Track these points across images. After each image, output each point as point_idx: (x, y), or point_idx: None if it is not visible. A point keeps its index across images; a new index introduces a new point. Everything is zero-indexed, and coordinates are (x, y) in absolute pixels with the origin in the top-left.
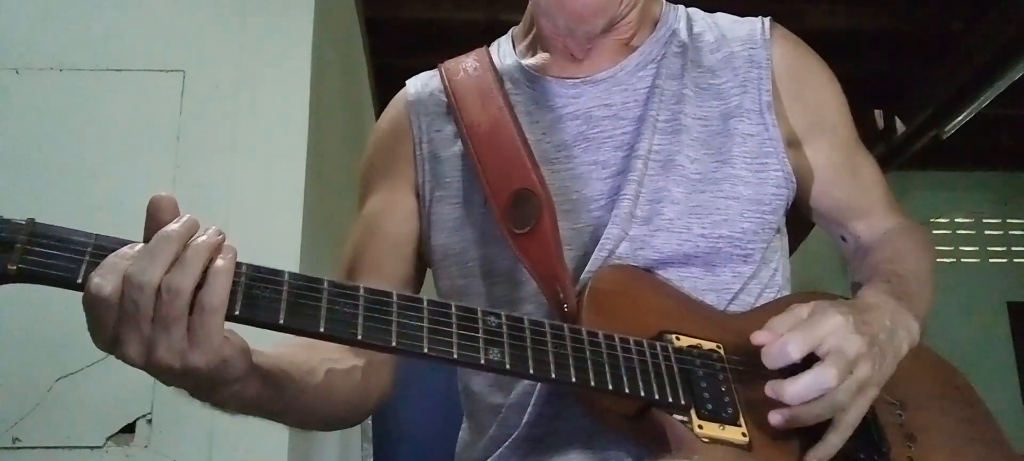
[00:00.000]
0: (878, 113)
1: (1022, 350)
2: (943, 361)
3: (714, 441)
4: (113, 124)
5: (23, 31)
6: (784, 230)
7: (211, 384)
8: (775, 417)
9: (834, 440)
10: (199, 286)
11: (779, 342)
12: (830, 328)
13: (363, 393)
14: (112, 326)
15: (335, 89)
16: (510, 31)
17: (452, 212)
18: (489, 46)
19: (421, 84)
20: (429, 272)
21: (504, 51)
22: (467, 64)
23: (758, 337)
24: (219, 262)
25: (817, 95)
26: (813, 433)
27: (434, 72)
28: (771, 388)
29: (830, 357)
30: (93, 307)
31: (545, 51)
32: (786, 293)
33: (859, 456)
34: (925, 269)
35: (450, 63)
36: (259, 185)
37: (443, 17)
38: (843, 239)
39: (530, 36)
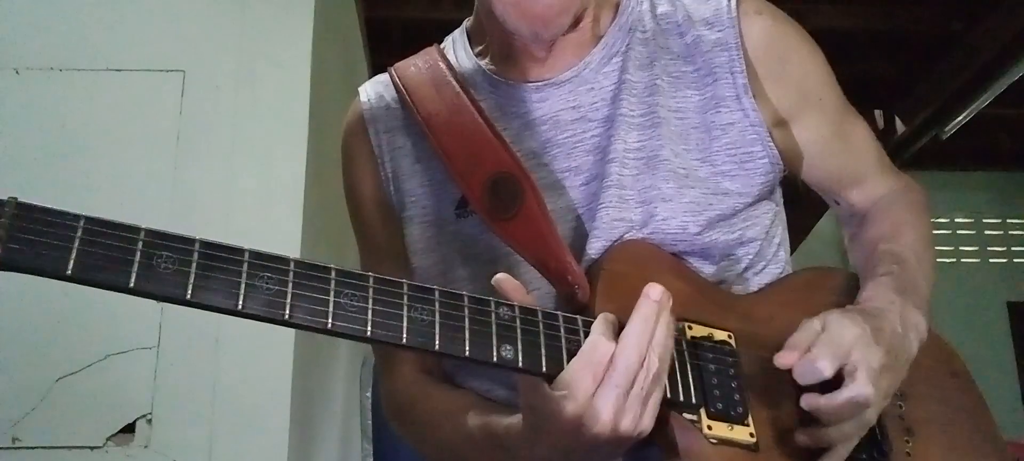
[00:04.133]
0: (878, 113)
1: (1022, 350)
2: (943, 344)
3: (722, 442)
4: (113, 124)
5: (23, 31)
6: (780, 201)
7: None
8: (802, 438)
9: (842, 451)
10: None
11: (808, 359)
12: (852, 341)
13: None
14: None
15: (335, 89)
16: (463, 27)
17: (422, 232)
18: (440, 44)
19: (375, 95)
20: None
21: (460, 52)
22: (418, 61)
23: (783, 358)
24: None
25: (800, 69)
26: None
27: (385, 77)
28: (807, 402)
29: (860, 373)
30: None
31: (504, 51)
32: (787, 267)
33: (862, 457)
34: (922, 236)
35: (400, 64)
36: (259, 185)
37: (443, 17)
38: (837, 203)
39: (486, 37)
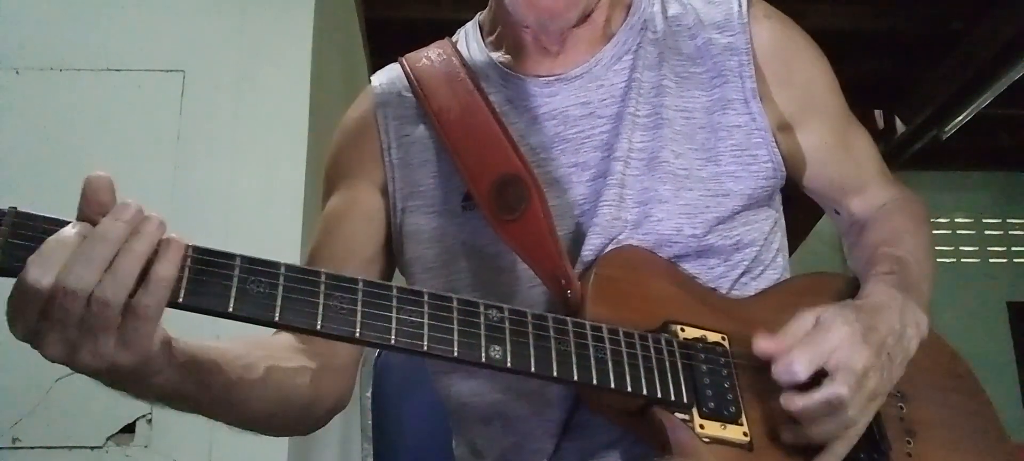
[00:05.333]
0: (878, 113)
1: (1022, 350)
2: (946, 347)
3: (715, 441)
4: (113, 124)
5: (23, 31)
6: (780, 208)
7: (132, 378)
8: (787, 436)
9: (839, 450)
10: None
11: (785, 360)
12: (837, 342)
13: (312, 397)
14: (36, 320)
15: (335, 89)
16: (475, 20)
17: (428, 222)
18: (452, 37)
19: (387, 83)
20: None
21: (472, 44)
22: (430, 53)
23: (763, 345)
24: (159, 267)
25: (806, 74)
26: None
27: (397, 67)
28: (784, 401)
29: (839, 374)
30: (23, 299)
31: (516, 45)
32: (785, 273)
33: (860, 456)
34: (923, 244)
35: (411, 55)
36: (259, 185)
37: (443, 17)
38: (837, 212)
39: (499, 30)
